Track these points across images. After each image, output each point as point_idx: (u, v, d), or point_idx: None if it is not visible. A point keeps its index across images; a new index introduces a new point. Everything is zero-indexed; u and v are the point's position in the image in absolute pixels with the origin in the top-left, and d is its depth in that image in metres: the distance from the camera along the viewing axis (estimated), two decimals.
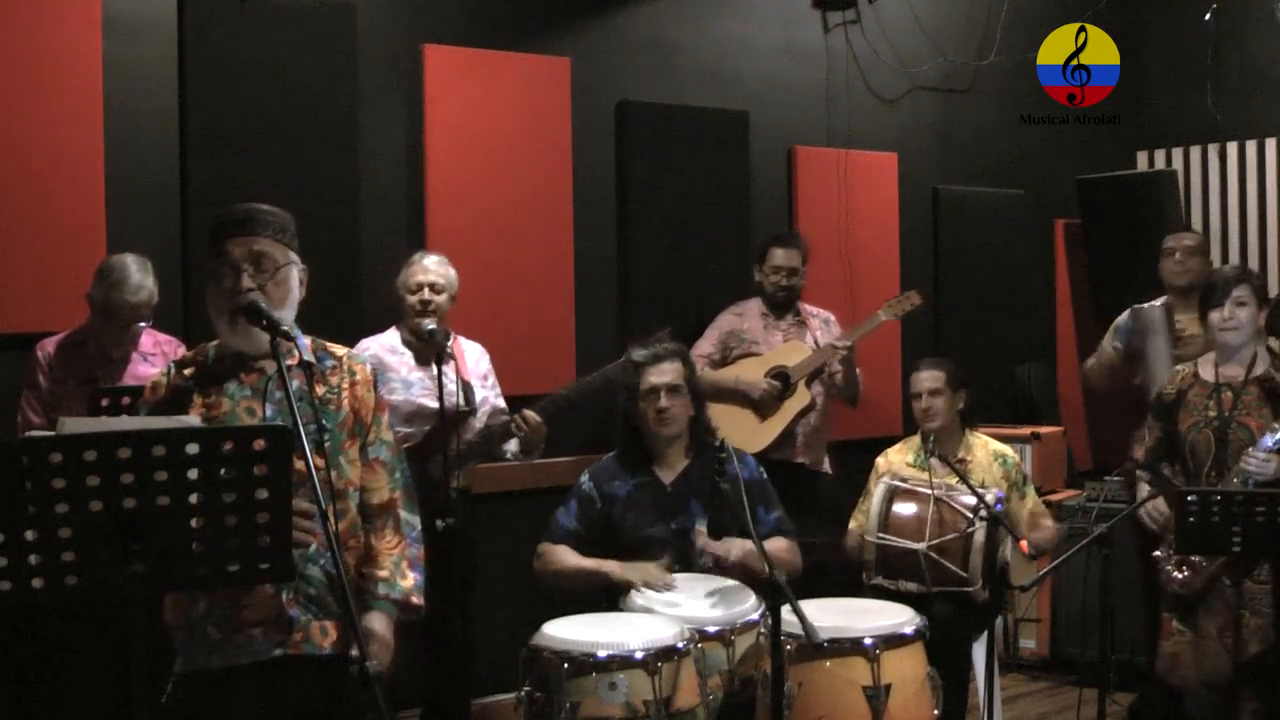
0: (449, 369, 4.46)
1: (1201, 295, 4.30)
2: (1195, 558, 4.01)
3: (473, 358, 4.64)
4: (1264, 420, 4.04)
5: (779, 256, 5.48)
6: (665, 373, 4.09)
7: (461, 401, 4.35)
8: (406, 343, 4.52)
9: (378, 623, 2.78)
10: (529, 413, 4.43)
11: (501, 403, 4.64)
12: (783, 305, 5.51)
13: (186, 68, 4.64)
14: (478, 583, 4.71)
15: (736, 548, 3.95)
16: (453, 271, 4.55)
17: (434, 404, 4.35)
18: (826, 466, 5.55)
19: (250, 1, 4.71)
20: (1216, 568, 4.01)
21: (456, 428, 4.24)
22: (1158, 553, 4.19)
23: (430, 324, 4.27)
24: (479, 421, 4.49)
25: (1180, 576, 4.07)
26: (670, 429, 4.08)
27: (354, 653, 2.55)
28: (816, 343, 5.46)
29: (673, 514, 4.04)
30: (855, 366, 5.38)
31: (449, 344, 4.41)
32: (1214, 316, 4.17)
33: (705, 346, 5.47)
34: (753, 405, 5.33)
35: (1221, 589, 4.01)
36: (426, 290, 4.45)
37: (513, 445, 4.50)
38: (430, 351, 4.37)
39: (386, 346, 4.55)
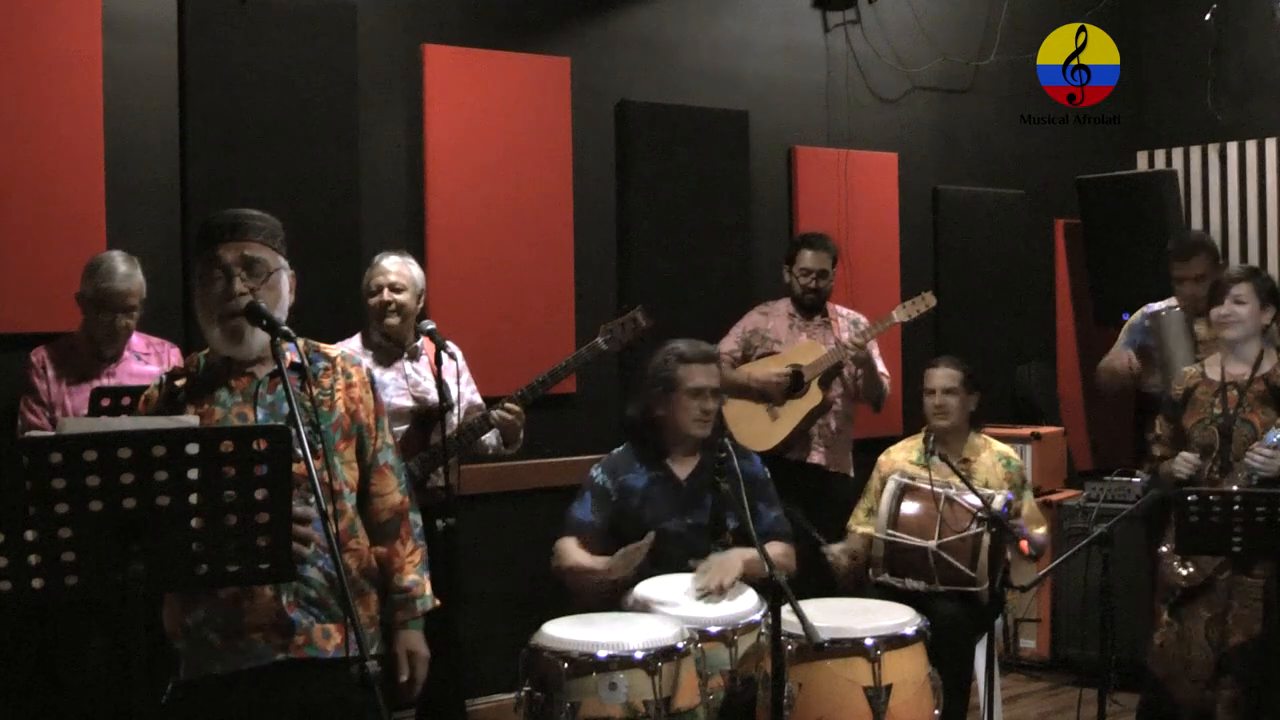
0: (421, 366, 4.46)
1: (1209, 293, 4.33)
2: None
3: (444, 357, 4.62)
4: (1267, 418, 4.07)
5: (808, 258, 5.46)
6: (714, 375, 4.09)
7: (438, 398, 4.33)
8: (375, 345, 4.46)
9: (420, 644, 2.88)
10: (507, 404, 4.42)
11: (479, 399, 4.63)
12: (811, 307, 5.50)
13: (186, 68, 4.64)
14: (471, 582, 4.71)
15: (731, 570, 3.82)
16: (415, 270, 4.49)
17: (408, 403, 4.37)
18: (849, 470, 5.53)
19: (250, 1, 4.71)
20: (1220, 562, 4.03)
21: (435, 425, 4.22)
22: (1164, 548, 4.20)
23: (429, 324, 4.26)
24: (456, 418, 4.46)
25: (1185, 572, 4.10)
26: (705, 431, 4.08)
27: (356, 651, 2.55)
28: (837, 343, 5.47)
29: (687, 509, 4.03)
30: (875, 368, 5.37)
31: (437, 343, 4.40)
32: (1213, 312, 4.22)
33: (728, 344, 5.46)
34: (764, 400, 5.33)
35: (1217, 583, 4.04)
36: (387, 292, 4.40)
37: (491, 438, 4.48)
38: (397, 351, 4.44)
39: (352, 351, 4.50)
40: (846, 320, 5.55)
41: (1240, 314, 4.16)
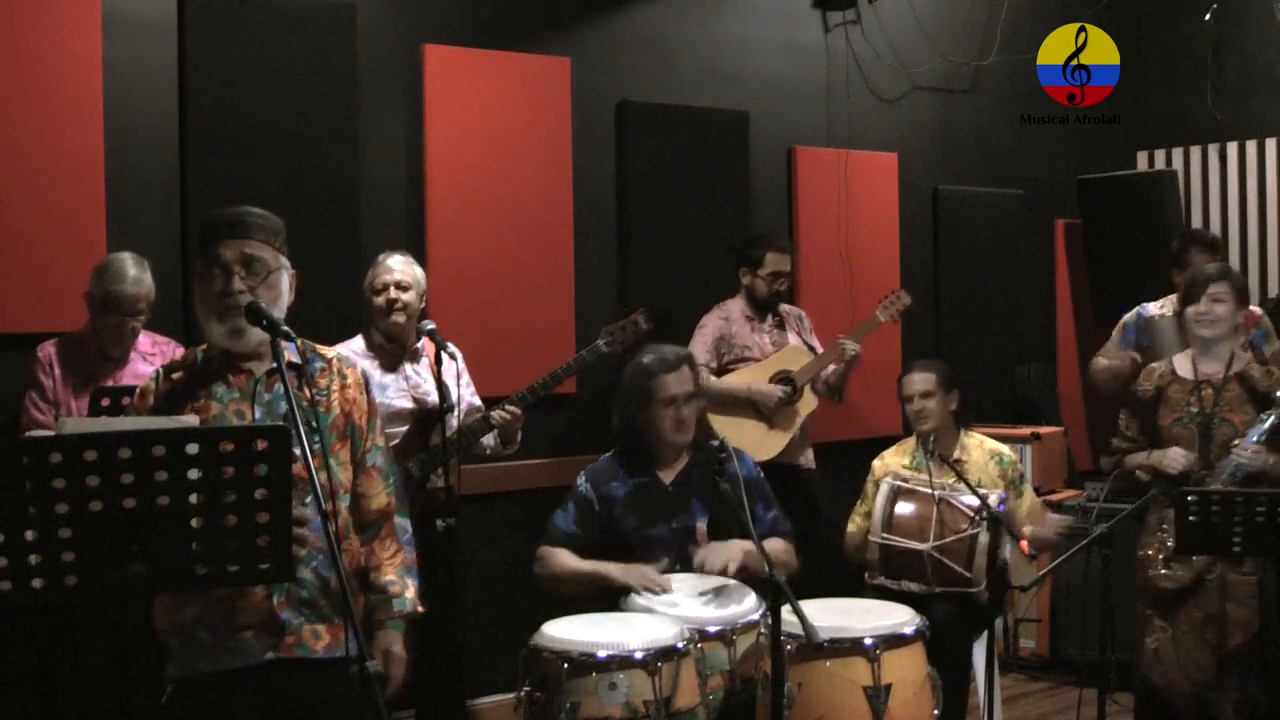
0: (421, 367, 4.46)
1: (1183, 291, 4.34)
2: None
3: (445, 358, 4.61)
4: (1247, 416, 4.08)
5: (777, 261, 5.44)
6: (685, 381, 4.07)
7: (438, 399, 4.33)
8: (377, 347, 4.45)
9: (395, 643, 2.86)
10: (507, 406, 4.42)
11: (478, 401, 4.63)
12: (769, 307, 5.50)
13: (186, 68, 4.64)
14: (471, 582, 4.71)
15: (733, 557, 3.88)
16: (419, 270, 4.51)
17: (409, 405, 4.36)
18: (810, 462, 5.55)
19: (250, 1, 4.72)
20: (1203, 563, 4.04)
21: (435, 426, 4.21)
22: (1147, 551, 4.22)
23: (429, 324, 4.26)
24: (455, 420, 4.46)
25: (1168, 573, 4.11)
26: (687, 436, 4.07)
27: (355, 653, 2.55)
28: (805, 343, 5.47)
29: (674, 514, 4.03)
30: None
31: (437, 344, 4.40)
32: (1190, 311, 4.23)
33: (701, 355, 5.34)
34: (763, 414, 5.31)
35: (1205, 583, 4.05)
36: (393, 289, 4.40)
37: (489, 439, 4.48)
38: (399, 354, 4.44)
39: (354, 352, 4.49)
40: (794, 317, 5.57)
41: (1219, 313, 4.18)
